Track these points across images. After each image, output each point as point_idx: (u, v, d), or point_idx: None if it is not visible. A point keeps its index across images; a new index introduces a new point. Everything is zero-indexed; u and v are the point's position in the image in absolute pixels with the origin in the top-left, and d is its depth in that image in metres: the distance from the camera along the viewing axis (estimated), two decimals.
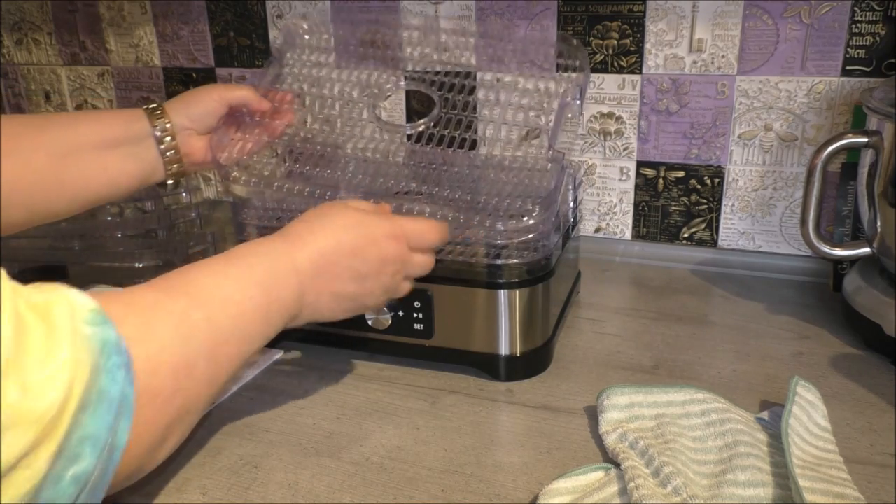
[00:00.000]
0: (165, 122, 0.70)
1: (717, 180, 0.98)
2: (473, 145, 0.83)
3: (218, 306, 0.46)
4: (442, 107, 0.82)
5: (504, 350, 0.70)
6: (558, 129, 0.71)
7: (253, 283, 0.49)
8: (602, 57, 0.98)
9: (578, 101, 0.76)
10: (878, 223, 0.74)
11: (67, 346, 0.33)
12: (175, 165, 0.72)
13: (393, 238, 0.58)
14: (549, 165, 0.73)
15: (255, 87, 0.78)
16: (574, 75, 0.78)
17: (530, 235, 0.67)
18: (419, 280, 0.69)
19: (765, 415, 0.62)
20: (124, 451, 0.36)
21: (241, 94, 0.75)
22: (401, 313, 0.71)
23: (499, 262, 0.67)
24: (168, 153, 0.71)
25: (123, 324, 0.38)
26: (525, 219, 0.65)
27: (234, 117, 0.77)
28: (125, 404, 0.36)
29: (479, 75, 1.04)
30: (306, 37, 0.86)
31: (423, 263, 0.62)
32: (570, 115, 0.76)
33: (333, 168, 0.95)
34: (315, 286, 0.54)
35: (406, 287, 0.62)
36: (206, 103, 0.73)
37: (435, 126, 0.82)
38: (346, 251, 0.55)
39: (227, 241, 1.04)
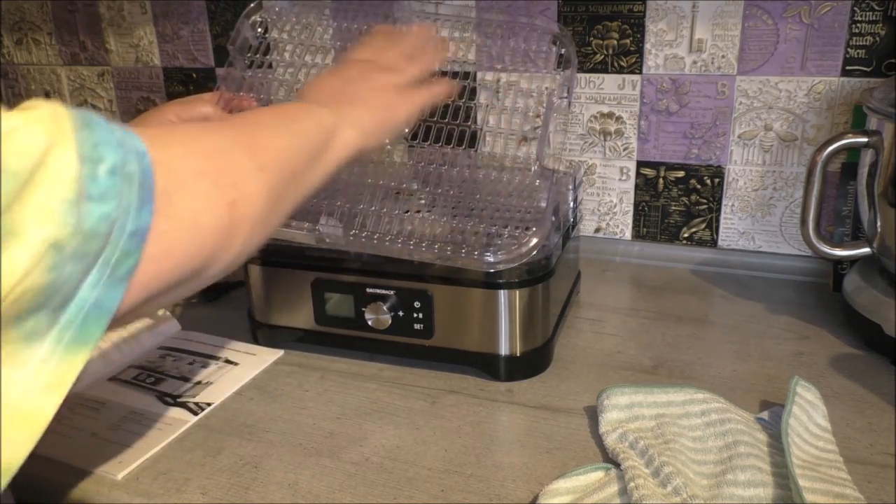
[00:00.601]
0: None
1: (717, 180, 0.98)
2: (472, 144, 0.82)
3: (230, 119, 0.51)
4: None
5: (504, 350, 0.70)
6: (545, 138, 0.71)
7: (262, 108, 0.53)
8: (602, 57, 0.98)
9: (566, 101, 0.75)
10: (878, 223, 0.74)
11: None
12: None
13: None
14: (538, 182, 0.73)
15: (219, 93, 0.73)
16: (560, 74, 0.77)
17: (524, 260, 0.66)
18: (419, 280, 0.69)
19: (765, 415, 0.62)
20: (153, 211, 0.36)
21: (199, 110, 0.71)
22: (401, 313, 0.71)
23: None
24: None
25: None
26: (516, 248, 0.65)
27: None
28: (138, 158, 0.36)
29: (478, 75, 1.04)
30: (260, 30, 0.84)
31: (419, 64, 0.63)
32: (557, 116, 0.75)
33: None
34: (323, 87, 0.58)
35: (418, 96, 0.62)
36: (163, 122, 0.69)
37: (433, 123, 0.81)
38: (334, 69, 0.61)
39: None
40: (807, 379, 0.63)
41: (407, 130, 0.66)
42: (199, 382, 0.71)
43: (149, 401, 0.68)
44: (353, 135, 0.55)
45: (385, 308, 0.70)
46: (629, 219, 1.04)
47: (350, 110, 0.56)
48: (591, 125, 1.01)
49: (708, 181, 0.98)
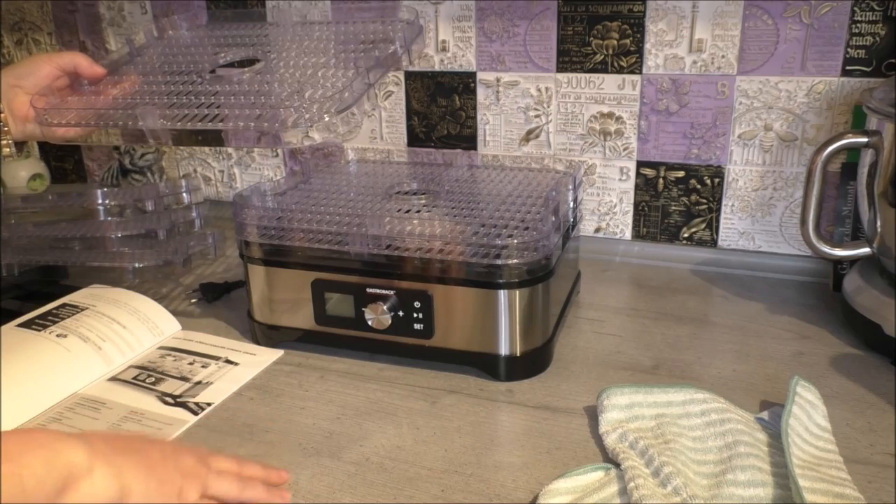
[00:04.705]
0: None
1: (717, 180, 0.98)
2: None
3: None
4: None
5: (504, 350, 0.70)
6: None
7: None
8: (602, 57, 0.98)
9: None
10: (878, 223, 0.74)
11: None
12: None
13: (193, 452, 0.52)
14: (537, 182, 0.72)
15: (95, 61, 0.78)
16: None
17: (524, 259, 0.66)
18: (419, 280, 0.69)
19: (765, 415, 0.62)
20: None
21: (71, 56, 0.76)
22: (401, 313, 0.71)
23: (499, 262, 0.67)
24: None
25: None
26: (516, 247, 0.65)
27: (73, 88, 0.78)
28: None
29: (478, 75, 1.04)
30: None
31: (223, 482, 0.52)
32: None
33: (335, 167, 0.95)
34: (108, 457, 0.45)
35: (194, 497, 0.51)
36: (34, 63, 0.75)
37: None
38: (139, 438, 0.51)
39: (227, 241, 1.05)
40: (807, 379, 0.63)
41: None
42: (199, 382, 0.71)
43: (149, 401, 0.68)
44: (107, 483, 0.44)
45: (385, 308, 0.70)
46: (629, 219, 1.04)
47: (119, 458, 0.45)
48: (591, 125, 1.01)
49: (708, 181, 0.98)
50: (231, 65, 0.78)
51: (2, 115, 0.72)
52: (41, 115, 0.73)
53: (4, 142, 0.73)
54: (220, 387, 0.70)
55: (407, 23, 0.76)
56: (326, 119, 0.63)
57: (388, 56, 0.72)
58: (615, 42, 0.96)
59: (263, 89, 0.70)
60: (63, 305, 0.81)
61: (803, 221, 0.77)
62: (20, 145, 0.76)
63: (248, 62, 0.77)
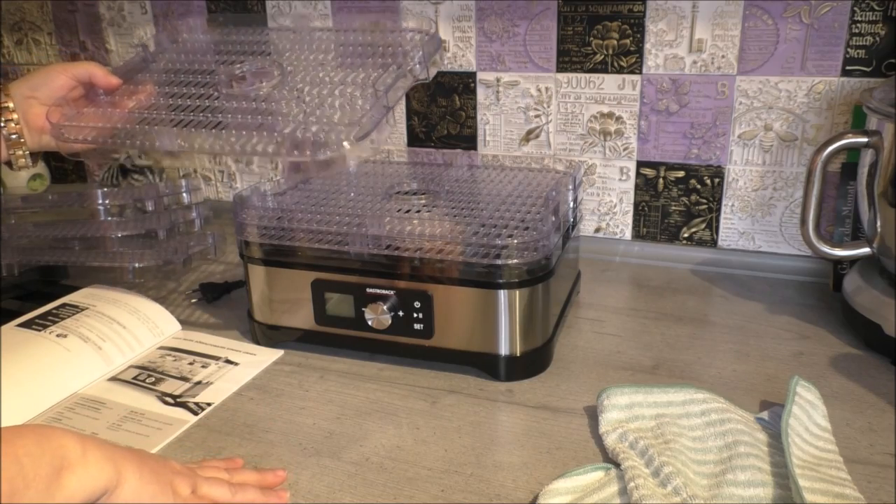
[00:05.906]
0: (6, 102, 0.71)
1: (717, 180, 0.98)
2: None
3: None
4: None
5: (504, 350, 0.70)
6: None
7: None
8: (602, 57, 0.98)
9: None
10: (878, 223, 0.74)
11: None
12: (14, 136, 0.72)
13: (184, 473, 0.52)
14: (537, 182, 0.71)
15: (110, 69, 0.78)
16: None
17: (524, 259, 0.66)
18: (419, 280, 0.69)
19: (765, 415, 0.62)
20: None
21: (86, 66, 0.75)
22: (401, 313, 0.71)
23: (499, 262, 0.67)
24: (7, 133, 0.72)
25: None
26: (516, 248, 0.64)
27: (89, 98, 0.77)
28: None
29: (478, 75, 1.04)
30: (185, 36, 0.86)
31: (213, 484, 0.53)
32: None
33: (335, 167, 0.95)
34: (100, 444, 0.46)
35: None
36: (48, 73, 0.74)
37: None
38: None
39: (226, 241, 1.05)
40: (807, 379, 0.63)
41: None
42: (199, 382, 0.71)
43: (149, 401, 0.68)
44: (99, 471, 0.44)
45: (385, 308, 0.70)
46: (629, 219, 1.04)
47: (111, 448, 0.46)
48: (591, 125, 1.01)
49: (708, 181, 0.98)
50: (247, 76, 0.77)
51: (17, 126, 0.72)
52: (57, 130, 0.72)
53: (20, 153, 0.73)
54: (220, 387, 0.70)
55: (427, 35, 0.75)
56: (346, 145, 0.63)
57: (408, 73, 0.72)
58: (615, 42, 0.96)
59: (280, 108, 0.69)
60: (63, 305, 0.81)
61: (803, 221, 0.77)
62: (35, 156, 0.75)
63: (262, 73, 0.77)
